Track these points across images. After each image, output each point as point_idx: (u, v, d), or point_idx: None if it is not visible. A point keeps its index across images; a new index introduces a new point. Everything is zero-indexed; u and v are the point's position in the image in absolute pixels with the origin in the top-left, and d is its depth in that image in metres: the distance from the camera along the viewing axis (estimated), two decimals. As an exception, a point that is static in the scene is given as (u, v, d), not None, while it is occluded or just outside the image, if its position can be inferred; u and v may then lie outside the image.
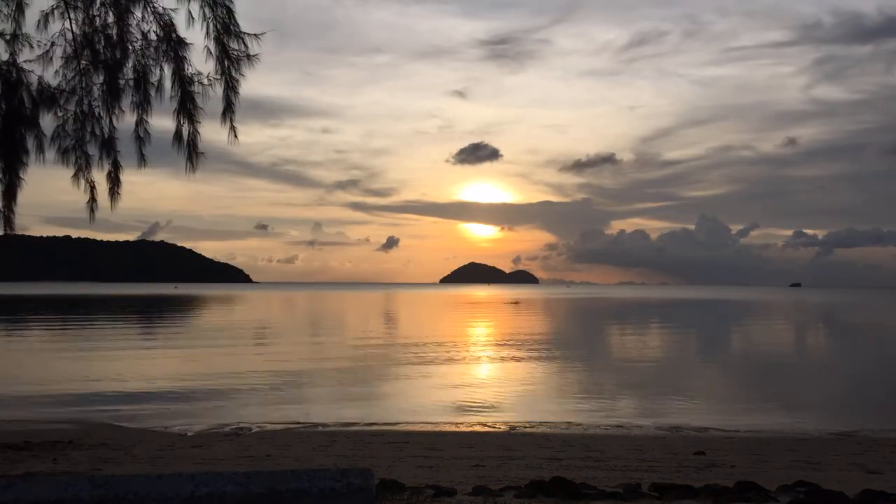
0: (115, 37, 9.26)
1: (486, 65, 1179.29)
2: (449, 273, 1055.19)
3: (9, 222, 10.15)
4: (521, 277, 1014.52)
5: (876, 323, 63.59)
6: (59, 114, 9.77)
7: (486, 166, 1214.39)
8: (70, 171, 9.98)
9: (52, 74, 9.54)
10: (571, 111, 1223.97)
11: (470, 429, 15.37)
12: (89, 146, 9.99)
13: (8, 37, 9.30)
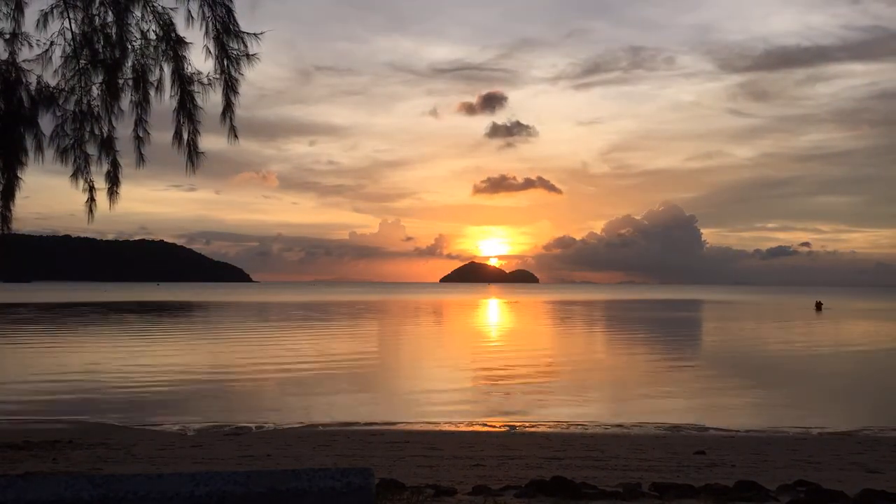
0: (114, 36, 9.24)
1: (454, 89, 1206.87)
2: (449, 272, 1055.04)
3: (6, 222, 10.14)
4: (521, 277, 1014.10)
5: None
6: (58, 113, 9.75)
7: (476, 174, 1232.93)
8: (69, 171, 9.97)
9: (51, 74, 9.52)
10: (542, 126, 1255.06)
11: (470, 429, 15.36)
12: (88, 146, 9.98)
13: (7, 36, 9.29)
